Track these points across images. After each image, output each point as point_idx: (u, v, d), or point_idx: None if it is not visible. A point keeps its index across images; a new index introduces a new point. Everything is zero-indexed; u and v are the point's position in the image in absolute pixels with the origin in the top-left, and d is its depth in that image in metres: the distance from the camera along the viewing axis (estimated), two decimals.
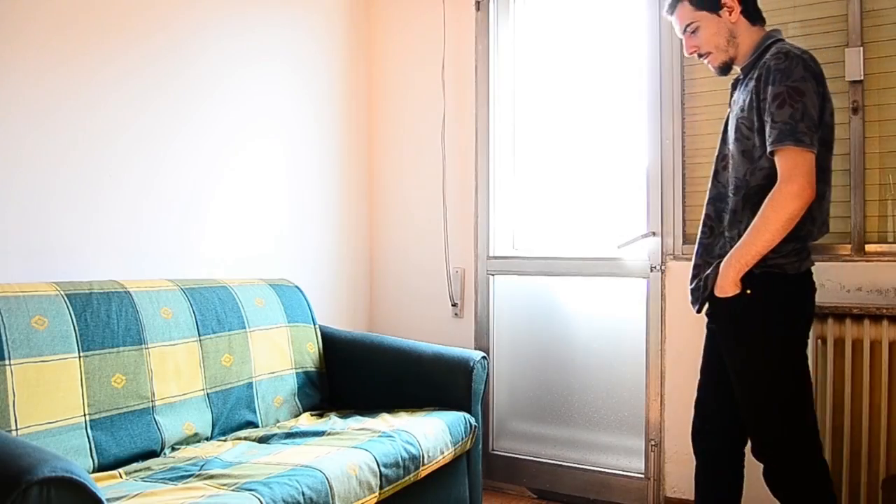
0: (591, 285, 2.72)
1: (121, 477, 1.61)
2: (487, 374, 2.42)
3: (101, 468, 1.65)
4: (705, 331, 2.00)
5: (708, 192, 1.85)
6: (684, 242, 2.50)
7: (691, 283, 1.89)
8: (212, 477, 1.56)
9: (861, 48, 2.21)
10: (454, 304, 2.96)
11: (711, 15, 1.81)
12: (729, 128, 1.81)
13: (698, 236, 1.87)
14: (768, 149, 1.63)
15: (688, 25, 1.85)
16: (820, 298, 2.23)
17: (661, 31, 2.52)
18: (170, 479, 1.56)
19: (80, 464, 1.56)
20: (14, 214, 1.85)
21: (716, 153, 1.86)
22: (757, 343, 1.74)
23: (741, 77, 1.82)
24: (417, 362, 2.33)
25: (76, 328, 1.71)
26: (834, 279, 2.24)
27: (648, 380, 2.53)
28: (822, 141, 1.69)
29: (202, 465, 1.66)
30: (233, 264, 2.47)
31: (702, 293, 1.83)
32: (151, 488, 1.49)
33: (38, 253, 1.90)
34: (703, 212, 1.86)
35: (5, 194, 1.83)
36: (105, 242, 2.07)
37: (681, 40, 1.95)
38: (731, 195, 1.78)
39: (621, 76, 2.71)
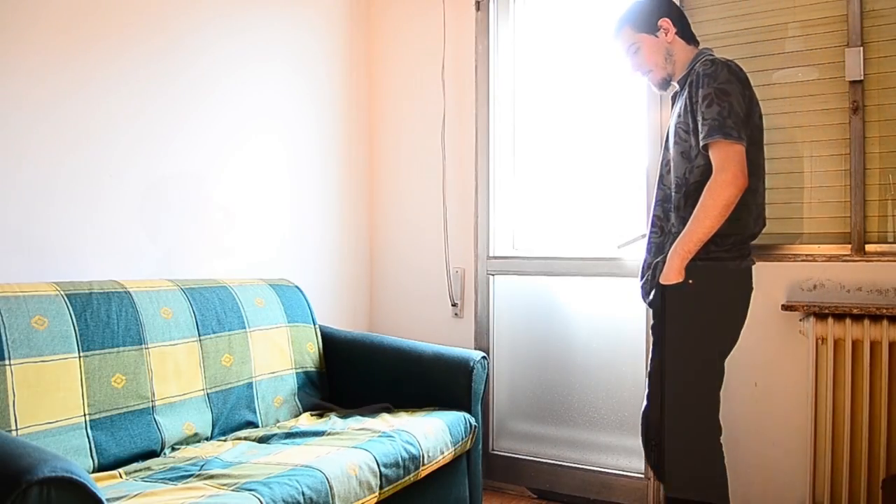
0: (591, 285, 2.72)
1: (121, 477, 1.61)
2: (487, 374, 2.42)
3: (101, 468, 1.65)
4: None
5: (655, 195, 1.97)
6: None
7: (641, 279, 1.99)
8: (212, 477, 1.56)
9: (861, 48, 2.21)
10: (454, 304, 2.96)
11: (650, 36, 1.99)
12: (670, 134, 1.92)
13: (649, 236, 1.97)
14: (701, 143, 1.76)
15: (630, 46, 2.03)
16: (820, 298, 2.25)
17: None
18: (170, 479, 1.56)
19: (80, 464, 1.56)
20: (14, 214, 1.85)
21: (660, 159, 1.98)
22: (691, 332, 1.86)
23: (678, 90, 1.95)
24: (417, 362, 2.33)
25: (76, 328, 1.71)
26: (834, 279, 2.24)
27: None
28: (752, 140, 1.83)
29: (202, 465, 1.66)
30: (233, 264, 2.47)
31: (650, 283, 1.92)
32: (151, 488, 1.49)
33: (38, 253, 1.90)
34: (652, 213, 1.97)
35: (5, 194, 1.83)
36: (105, 242, 2.07)
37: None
38: (674, 194, 1.91)
39: (621, 76, 2.70)
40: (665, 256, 1.87)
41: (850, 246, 2.25)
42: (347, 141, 3.06)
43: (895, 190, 2.22)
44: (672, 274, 1.83)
